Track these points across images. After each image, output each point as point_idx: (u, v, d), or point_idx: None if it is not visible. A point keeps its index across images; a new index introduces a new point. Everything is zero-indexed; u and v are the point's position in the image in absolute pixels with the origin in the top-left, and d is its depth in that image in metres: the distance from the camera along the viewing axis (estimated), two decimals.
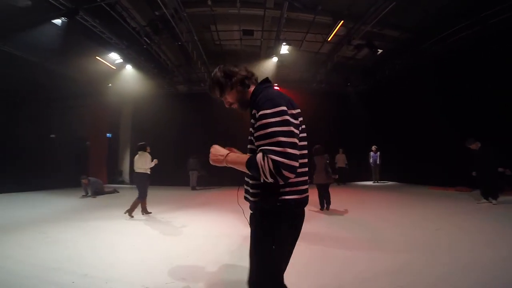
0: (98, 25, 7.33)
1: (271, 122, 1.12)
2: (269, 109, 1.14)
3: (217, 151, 1.28)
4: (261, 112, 1.15)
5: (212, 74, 1.41)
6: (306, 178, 1.34)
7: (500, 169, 5.62)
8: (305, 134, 1.32)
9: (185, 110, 12.11)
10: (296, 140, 1.15)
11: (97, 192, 8.78)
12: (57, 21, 6.96)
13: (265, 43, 9.43)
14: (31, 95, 11.58)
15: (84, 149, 12.93)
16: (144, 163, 5.54)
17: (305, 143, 1.34)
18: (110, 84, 12.14)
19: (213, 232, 4.46)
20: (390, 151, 11.11)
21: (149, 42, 8.15)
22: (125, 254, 3.33)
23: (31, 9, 6.54)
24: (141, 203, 5.68)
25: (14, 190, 9.24)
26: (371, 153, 11.43)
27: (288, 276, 1.35)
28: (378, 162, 11.37)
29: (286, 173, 1.09)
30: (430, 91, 9.23)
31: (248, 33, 8.72)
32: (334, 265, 2.91)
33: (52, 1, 6.28)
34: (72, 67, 10.16)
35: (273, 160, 1.07)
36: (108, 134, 14.08)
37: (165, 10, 6.78)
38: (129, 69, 10.37)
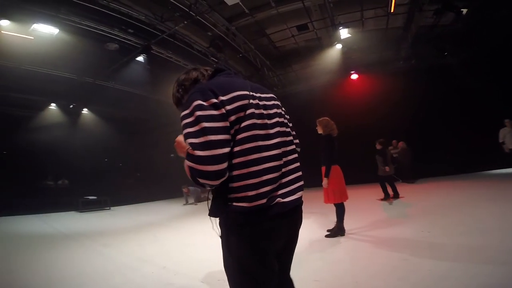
0: (172, 55, 8.65)
1: (185, 123, 0.97)
2: (186, 109, 0.98)
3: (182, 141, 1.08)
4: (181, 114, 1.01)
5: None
6: (260, 179, 0.99)
7: None
8: (254, 121, 1.01)
9: None
10: (211, 138, 0.92)
11: (198, 199, 10.15)
12: (140, 59, 8.67)
13: (323, 33, 8.82)
14: (147, 123, 14.85)
15: None
16: None
17: (256, 135, 1.00)
18: None
19: None
20: None
21: (216, 60, 9.02)
22: (200, 252, 3.68)
23: (123, 52, 8.37)
24: None
25: (144, 201, 11.79)
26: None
27: None
28: None
29: (201, 180, 0.92)
30: None
31: (303, 28, 8.36)
32: (418, 280, 2.27)
33: (131, 43, 7.86)
34: (167, 95, 12.29)
35: (187, 166, 0.94)
36: None
37: (216, 30, 7.36)
38: None
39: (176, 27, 7.52)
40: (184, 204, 9.95)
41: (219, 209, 1.03)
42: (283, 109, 1.24)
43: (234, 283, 1.09)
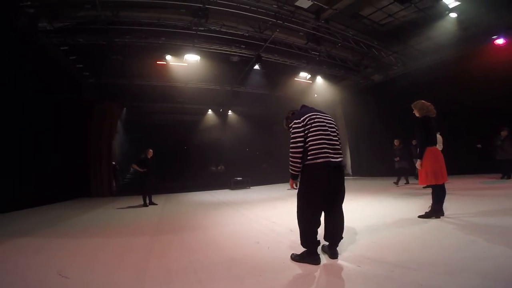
0: (278, 57, 10.11)
1: (291, 130, 2.55)
2: (291, 123, 2.58)
3: None
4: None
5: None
6: (319, 155, 2.39)
7: None
8: (319, 125, 2.48)
9: (389, 98, 11.81)
10: (296, 139, 2.46)
11: None
12: (256, 66, 10.73)
13: (429, 2, 7.57)
14: (272, 117, 17.33)
15: None
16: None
17: (320, 132, 2.46)
18: (316, 95, 15.02)
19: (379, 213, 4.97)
20: None
21: (317, 53, 9.62)
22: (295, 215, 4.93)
23: (244, 63, 10.52)
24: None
25: (272, 183, 14.26)
26: None
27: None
28: None
29: (291, 154, 2.52)
30: None
31: (403, 0, 7.47)
32: (458, 260, 2.29)
33: (246, 55, 9.82)
34: (286, 91, 14.07)
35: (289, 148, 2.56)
36: None
37: (305, 29, 7.99)
38: (319, 79, 12.41)
39: (273, 35, 8.81)
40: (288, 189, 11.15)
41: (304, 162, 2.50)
42: (336, 126, 2.64)
43: (297, 202, 2.57)
